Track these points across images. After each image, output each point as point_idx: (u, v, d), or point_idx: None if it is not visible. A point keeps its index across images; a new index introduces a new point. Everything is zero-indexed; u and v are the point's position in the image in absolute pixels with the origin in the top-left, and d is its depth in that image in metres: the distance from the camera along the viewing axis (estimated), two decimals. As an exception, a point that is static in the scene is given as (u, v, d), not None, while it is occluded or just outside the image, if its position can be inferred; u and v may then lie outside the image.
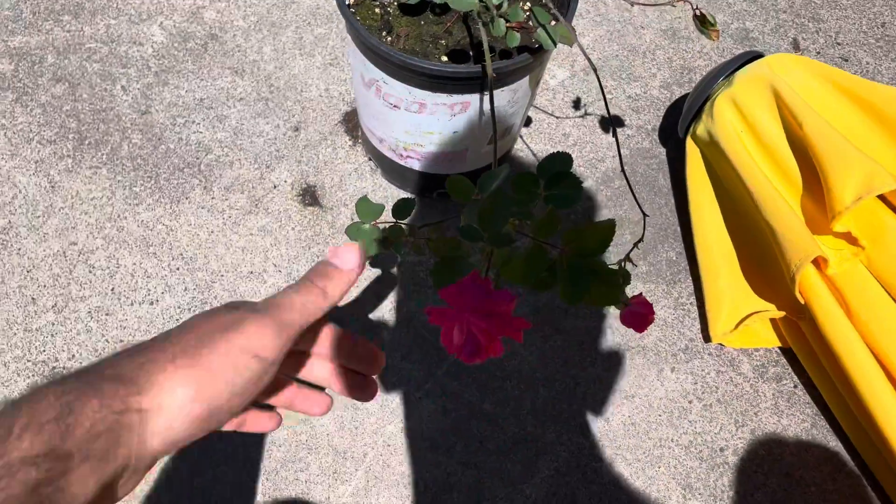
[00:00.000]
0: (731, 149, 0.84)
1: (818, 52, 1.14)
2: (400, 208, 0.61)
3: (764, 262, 0.84)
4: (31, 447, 0.26)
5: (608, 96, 1.06)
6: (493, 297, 0.41)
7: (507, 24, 0.65)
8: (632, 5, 0.68)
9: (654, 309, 0.87)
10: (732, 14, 1.18)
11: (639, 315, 0.73)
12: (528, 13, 0.76)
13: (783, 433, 0.84)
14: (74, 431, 0.28)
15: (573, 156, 0.99)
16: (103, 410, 0.29)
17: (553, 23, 0.64)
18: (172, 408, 0.31)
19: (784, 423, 0.84)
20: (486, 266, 0.46)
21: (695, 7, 0.65)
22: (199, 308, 0.85)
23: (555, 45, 0.65)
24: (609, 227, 0.46)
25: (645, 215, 0.65)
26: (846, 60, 1.14)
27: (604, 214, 0.96)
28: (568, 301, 0.45)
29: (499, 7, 0.65)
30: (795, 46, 1.15)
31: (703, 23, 0.65)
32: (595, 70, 0.60)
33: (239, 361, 0.33)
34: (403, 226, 0.61)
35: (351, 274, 0.42)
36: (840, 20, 1.19)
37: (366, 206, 0.61)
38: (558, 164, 0.55)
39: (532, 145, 1.00)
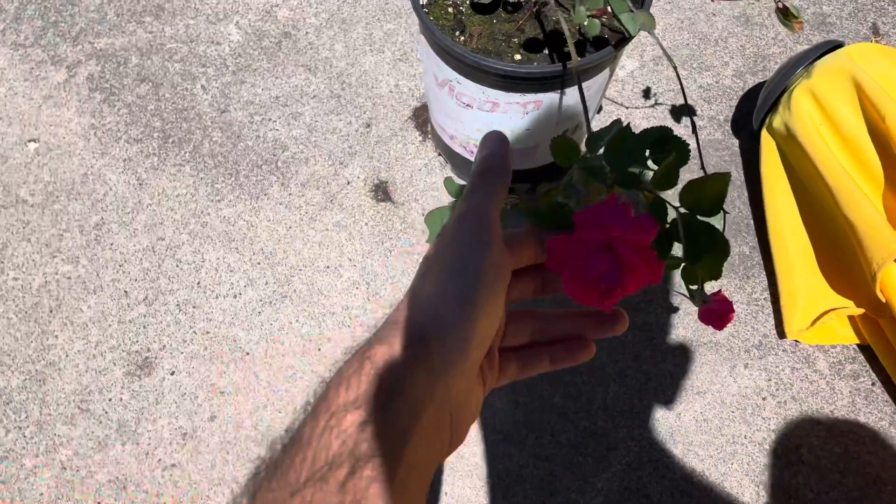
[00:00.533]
0: (809, 142, 0.83)
1: (900, 37, 1.10)
2: None
3: (842, 258, 0.83)
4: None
5: (678, 87, 1.05)
6: (634, 222, 0.36)
7: (588, 13, 0.66)
8: (713, 0, 0.67)
9: (728, 305, 0.87)
10: (809, -2, 1.14)
11: (718, 312, 0.73)
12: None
13: (860, 431, 0.83)
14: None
15: (643, 149, 0.99)
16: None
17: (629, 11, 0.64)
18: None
19: (861, 421, 0.83)
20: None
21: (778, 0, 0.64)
22: (280, 302, 0.88)
23: (633, 34, 0.65)
24: (723, 181, 0.44)
25: (725, 213, 0.64)
26: (931, 44, 1.09)
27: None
28: (690, 261, 0.44)
29: (579, -7, 0.65)
30: (875, 31, 1.11)
31: (786, 15, 0.65)
32: (671, 61, 0.60)
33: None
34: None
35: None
36: (924, 2, 1.14)
37: (453, 186, 0.62)
38: (658, 132, 0.55)
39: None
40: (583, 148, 0.49)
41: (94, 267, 0.91)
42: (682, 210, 0.44)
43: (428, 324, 0.32)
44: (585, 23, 0.64)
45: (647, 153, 0.50)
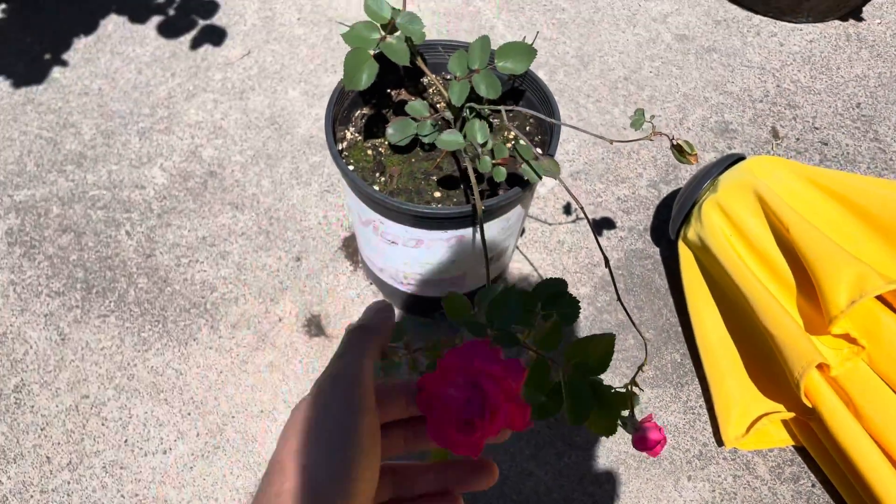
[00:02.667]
0: (722, 253, 0.86)
1: (797, 139, 1.18)
2: (394, 333, 0.62)
3: (768, 364, 0.85)
4: None
5: (598, 199, 1.09)
6: (504, 365, 0.35)
7: (493, 161, 0.68)
8: (611, 143, 0.71)
9: (664, 415, 0.88)
10: (710, 108, 1.22)
11: (651, 440, 0.73)
12: (510, 147, 0.79)
13: (807, 535, 0.83)
14: None
15: (569, 261, 1.01)
16: None
17: (537, 158, 0.67)
18: None
19: (807, 524, 0.83)
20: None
21: (672, 138, 0.68)
22: (212, 454, 0.85)
23: (540, 178, 0.68)
24: (609, 342, 0.46)
25: (646, 341, 0.66)
26: (826, 144, 1.17)
27: (604, 319, 0.97)
28: (573, 421, 0.45)
29: (483, 145, 0.68)
30: (775, 134, 1.19)
31: (681, 152, 0.68)
32: (583, 210, 0.62)
33: None
34: (396, 346, 0.61)
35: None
36: (815, 105, 1.23)
37: None
38: (552, 287, 0.56)
39: (528, 254, 1.03)
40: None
41: (14, 433, 0.86)
42: (566, 369, 0.45)
43: (308, 495, 0.31)
44: (490, 170, 0.67)
45: (540, 306, 0.52)
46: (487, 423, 0.34)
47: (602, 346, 0.45)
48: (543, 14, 1.37)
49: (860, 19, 1.39)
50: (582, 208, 0.64)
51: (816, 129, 1.20)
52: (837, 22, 1.38)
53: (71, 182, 1.07)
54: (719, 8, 1.40)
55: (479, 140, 0.68)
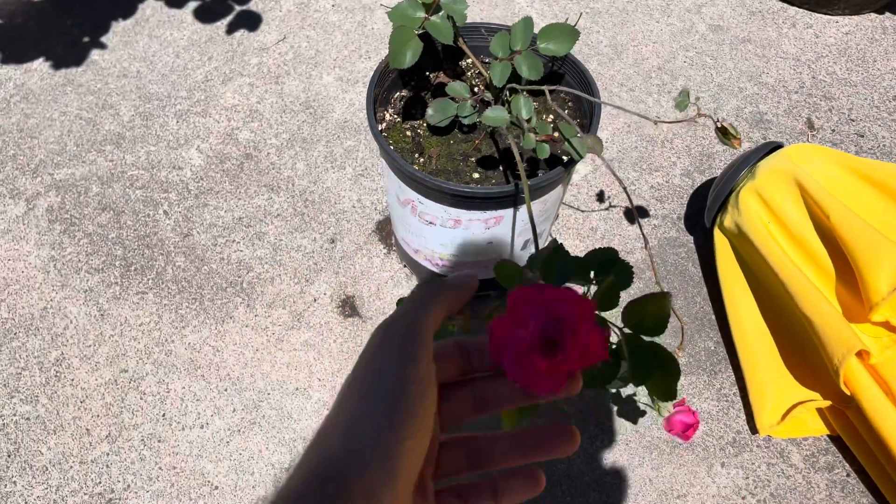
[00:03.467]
0: (760, 240, 0.86)
1: (833, 130, 1.17)
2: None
3: (805, 353, 0.85)
4: None
5: (630, 188, 1.09)
6: (572, 295, 0.34)
7: (537, 138, 0.68)
8: (655, 123, 0.71)
9: (698, 402, 0.88)
10: (745, 98, 1.21)
11: (683, 424, 0.74)
12: (552, 125, 0.80)
13: (841, 524, 0.82)
14: None
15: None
16: None
17: (579, 135, 0.67)
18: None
19: (841, 514, 0.83)
20: None
21: (716, 120, 0.68)
22: (248, 429, 0.86)
23: (582, 156, 0.68)
24: (665, 301, 0.46)
25: (682, 323, 0.66)
26: (862, 136, 1.16)
27: (638, 307, 0.97)
28: (637, 381, 0.44)
29: (528, 121, 0.68)
30: (810, 126, 1.18)
31: (725, 134, 0.68)
32: (621, 182, 0.62)
33: None
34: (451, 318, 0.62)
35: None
36: (851, 97, 1.22)
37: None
38: (604, 255, 0.57)
39: (561, 241, 1.03)
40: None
41: (55, 405, 0.88)
42: (627, 330, 0.45)
43: (344, 458, 0.28)
44: (535, 147, 0.67)
45: (592, 275, 0.52)
46: (569, 343, 0.32)
47: (659, 306, 0.45)
48: (577, 3, 1.37)
49: (897, 12, 1.38)
50: (625, 188, 0.65)
51: (852, 120, 1.18)
52: (874, 14, 1.37)
53: (110, 162, 1.09)
54: (754, -1, 1.39)
55: (525, 115, 0.68)
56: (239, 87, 1.19)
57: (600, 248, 0.55)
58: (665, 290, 0.46)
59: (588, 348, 0.32)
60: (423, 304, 0.34)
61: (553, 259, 0.47)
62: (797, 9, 1.38)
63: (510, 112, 0.68)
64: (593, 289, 0.50)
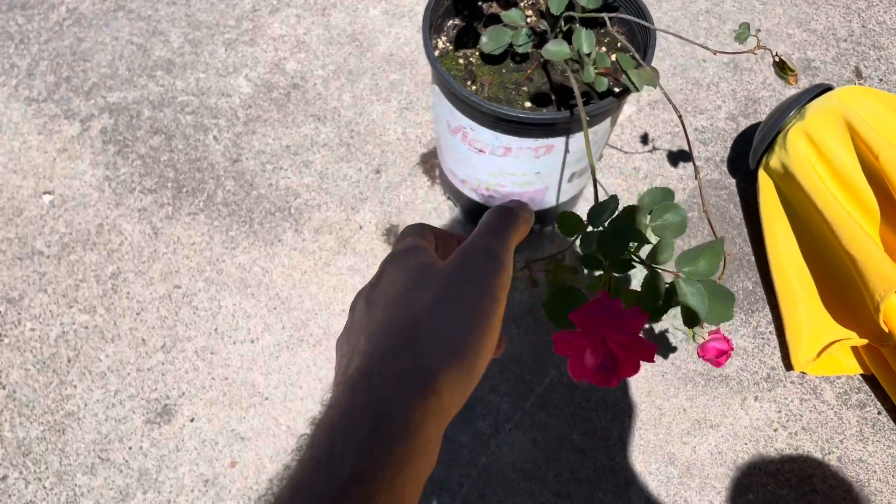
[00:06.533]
0: (806, 180, 0.87)
1: (881, 80, 1.16)
2: None
3: (844, 291, 0.86)
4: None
5: (675, 129, 1.09)
6: (624, 316, 0.42)
7: (596, 71, 0.69)
8: (714, 53, 0.71)
9: (734, 339, 0.89)
10: (793, 45, 1.20)
11: (716, 350, 0.76)
12: (613, 60, 0.80)
13: (869, 459, 0.85)
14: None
15: (643, 188, 1.02)
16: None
17: (636, 68, 0.68)
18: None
19: (870, 449, 0.85)
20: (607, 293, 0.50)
21: (774, 54, 0.68)
22: (297, 346, 0.89)
23: (639, 89, 0.69)
24: (719, 248, 0.49)
25: (726, 254, 0.68)
26: (910, 86, 1.15)
27: (679, 246, 0.98)
28: (690, 324, 0.48)
29: (588, 55, 0.69)
30: (858, 74, 1.17)
31: (782, 68, 0.68)
32: (677, 110, 0.63)
33: None
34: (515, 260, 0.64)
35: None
36: (902, 46, 1.20)
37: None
38: (658, 196, 0.59)
39: (603, 180, 1.04)
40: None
41: (112, 316, 0.91)
42: (682, 275, 0.48)
43: (434, 355, 0.30)
44: (593, 80, 0.68)
45: (648, 219, 0.54)
46: (617, 375, 0.42)
47: (713, 254, 0.48)
48: (625, -56, 1.35)
49: (954, -38, 1.34)
50: (681, 117, 0.65)
51: (902, 70, 1.17)
52: (930, -36, 1.34)
53: (161, 87, 1.11)
54: (807, -55, 1.36)
55: (586, 49, 0.69)
56: (286, 18, 1.20)
57: (655, 189, 0.57)
58: (719, 238, 0.49)
59: (636, 366, 0.42)
60: (501, 234, 0.36)
61: (607, 239, 0.51)
62: (850, -44, 1.35)
63: (571, 45, 0.69)
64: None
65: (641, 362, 0.42)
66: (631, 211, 0.54)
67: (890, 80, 1.16)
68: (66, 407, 0.86)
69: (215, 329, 0.91)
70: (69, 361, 0.88)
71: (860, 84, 1.16)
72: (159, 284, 0.94)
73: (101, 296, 0.93)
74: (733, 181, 1.05)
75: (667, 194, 0.58)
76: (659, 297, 0.48)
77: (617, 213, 0.56)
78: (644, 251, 0.54)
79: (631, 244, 0.51)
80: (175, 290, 0.93)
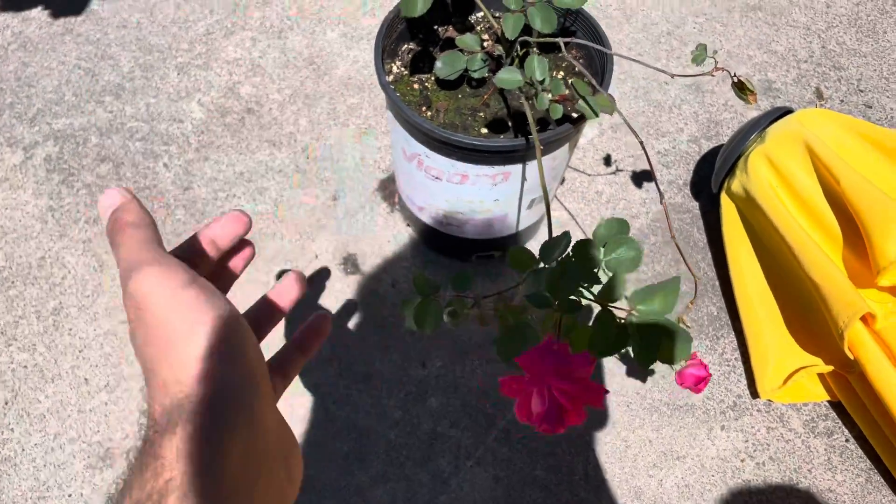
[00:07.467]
0: (768, 204, 0.85)
1: (842, 101, 1.16)
2: (460, 280, 0.62)
3: (808, 317, 0.85)
4: None
5: (638, 152, 1.08)
6: (572, 361, 0.41)
7: (551, 98, 0.67)
8: (672, 77, 0.70)
9: (701, 368, 0.87)
10: (754, 66, 1.20)
11: (694, 377, 0.74)
12: (563, 82, 0.78)
13: (838, 489, 0.83)
14: None
15: (607, 212, 1.01)
16: None
17: (593, 94, 0.66)
18: None
19: (839, 478, 0.83)
20: (556, 334, 0.47)
21: (733, 74, 0.67)
22: (249, 382, 0.86)
23: (597, 115, 0.67)
24: (674, 287, 0.47)
25: (696, 279, 0.66)
26: (870, 107, 1.15)
27: (642, 271, 0.96)
28: (643, 362, 0.46)
29: (542, 83, 0.67)
30: (819, 95, 1.17)
31: (741, 89, 0.67)
32: (637, 136, 0.61)
33: None
34: (467, 298, 0.62)
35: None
36: (861, 67, 1.21)
37: (423, 282, 0.62)
38: (614, 229, 0.57)
39: (566, 204, 1.02)
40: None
41: (52, 354, 0.87)
42: (634, 314, 0.46)
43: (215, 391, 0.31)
44: (547, 108, 0.66)
45: (601, 252, 0.53)
46: (563, 424, 0.42)
47: (667, 292, 0.46)
48: (586, -34, 1.35)
49: (910, -16, 1.36)
50: (642, 143, 0.63)
51: (861, 91, 1.17)
52: (886, -14, 1.35)
53: (109, 113, 1.07)
54: (765, -33, 1.37)
55: (539, 76, 0.67)
56: (241, 41, 1.17)
57: (612, 220, 0.55)
58: (674, 277, 0.47)
59: (582, 417, 0.43)
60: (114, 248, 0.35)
61: (557, 277, 0.49)
62: (809, -22, 1.36)
63: (523, 72, 0.67)
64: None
65: (597, 400, 0.41)
66: (584, 245, 0.52)
67: (850, 100, 1.16)
68: (2, 452, 0.81)
69: (162, 366, 0.86)
70: (6, 403, 0.84)
71: (821, 105, 1.16)
72: (104, 320, 0.89)
73: (41, 333, 0.88)
74: (696, 204, 1.04)
75: (622, 226, 0.56)
76: (610, 338, 0.46)
77: (571, 245, 0.54)
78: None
79: (582, 284, 0.49)
80: (120, 325, 0.89)
